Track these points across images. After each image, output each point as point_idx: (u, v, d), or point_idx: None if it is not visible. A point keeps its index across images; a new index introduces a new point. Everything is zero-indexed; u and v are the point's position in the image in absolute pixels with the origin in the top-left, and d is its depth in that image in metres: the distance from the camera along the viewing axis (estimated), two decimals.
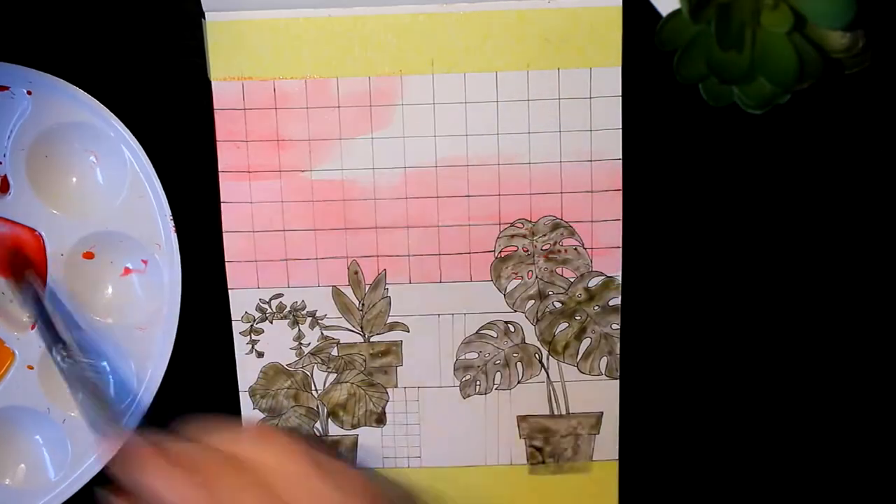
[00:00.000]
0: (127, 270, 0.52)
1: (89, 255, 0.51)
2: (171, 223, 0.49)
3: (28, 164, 0.49)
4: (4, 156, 0.49)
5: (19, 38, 0.49)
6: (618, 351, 0.52)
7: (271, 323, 0.51)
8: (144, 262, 0.51)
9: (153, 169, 0.48)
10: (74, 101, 0.48)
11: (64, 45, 0.49)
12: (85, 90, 0.47)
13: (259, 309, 0.51)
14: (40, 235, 0.50)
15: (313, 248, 0.51)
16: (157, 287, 0.51)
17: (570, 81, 0.48)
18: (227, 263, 0.50)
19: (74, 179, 0.50)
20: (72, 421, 0.52)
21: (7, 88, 0.48)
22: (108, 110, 0.48)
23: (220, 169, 0.49)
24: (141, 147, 0.48)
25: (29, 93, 0.48)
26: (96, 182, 0.50)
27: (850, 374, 0.53)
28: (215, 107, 0.49)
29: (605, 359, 0.52)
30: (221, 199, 0.50)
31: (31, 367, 0.51)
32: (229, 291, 0.51)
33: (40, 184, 0.50)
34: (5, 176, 0.49)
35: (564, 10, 0.48)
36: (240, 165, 0.49)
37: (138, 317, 0.51)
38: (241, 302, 0.51)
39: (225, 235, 0.50)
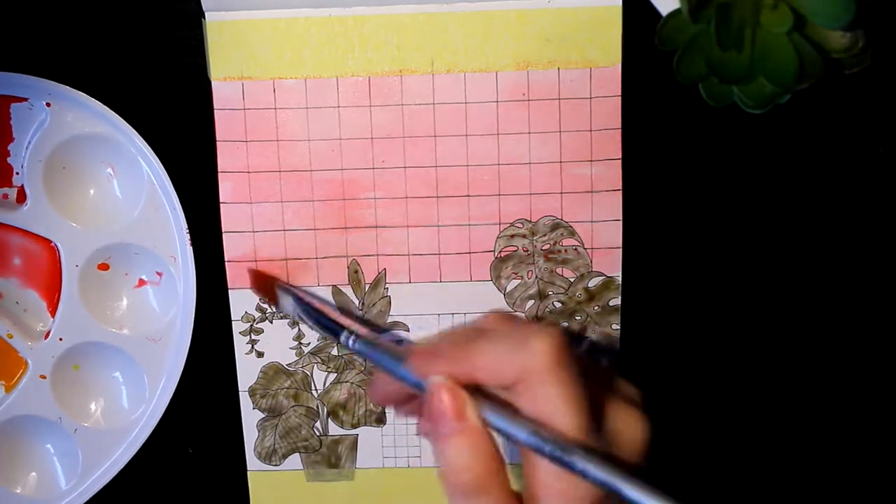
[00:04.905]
0: (141, 282, 0.52)
1: (104, 267, 0.51)
2: (188, 236, 0.49)
3: (45, 176, 0.49)
4: (22, 167, 0.49)
5: (34, 49, 0.49)
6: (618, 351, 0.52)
7: (271, 323, 0.51)
8: (159, 274, 0.51)
9: (170, 182, 0.48)
10: (93, 114, 0.48)
11: (61, 46, 0.49)
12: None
13: (259, 309, 0.51)
14: (56, 247, 0.50)
15: (313, 248, 0.51)
16: (171, 299, 0.51)
17: (570, 81, 0.48)
18: (226, 263, 0.50)
19: (92, 191, 0.50)
20: (83, 430, 0.52)
21: (25, 100, 0.48)
22: (126, 123, 0.48)
23: (219, 169, 0.49)
24: (159, 160, 0.48)
25: (48, 104, 0.48)
26: (113, 194, 0.51)
27: (850, 374, 0.53)
28: (215, 107, 0.49)
29: (605, 359, 0.52)
30: (221, 200, 0.50)
31: (43, 377, 0.51)
32: (229, 291, 0.51)
33: (57, 195, 0.50)
34: (22, 187, 0.50)
35: (564, 10, 0.48)
36: (240, 165, 0.49)
37: (152, 328, 0.51)
38: (241, 302, 0.51)
39: (224, 235, 0.50)
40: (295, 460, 0.53)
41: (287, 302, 0.48)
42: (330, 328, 0.46)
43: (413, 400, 0.44)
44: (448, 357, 0.39)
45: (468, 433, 0.38)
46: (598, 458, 0.36)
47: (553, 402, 0.37)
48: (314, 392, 0.52)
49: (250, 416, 0.53)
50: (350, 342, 0.44)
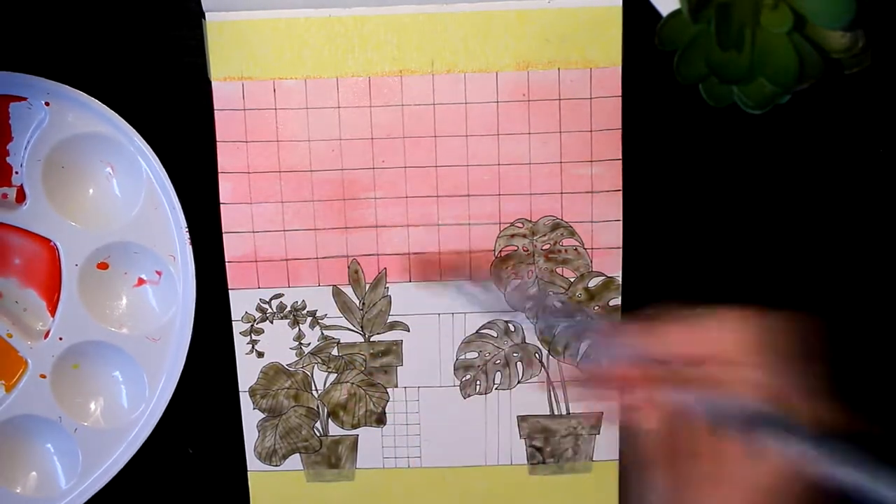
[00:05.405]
0: (141, 281, 0.52)
1: (104, 266, 0.51)
2: (187, 235, 0.49)
3: (44, 175, 0.49)
4: (21, 166, 0.49)
5: (34, 49, 0.49)
6: None
7: (271, 323, 0.51)
8: (159, 273, 0.51)
9: (170, 181, 0.48)
10: (92, 113, 0.48)
11: (61, 46, 0.49)
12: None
13: (259, 309, 0.51)
14: (55, 246, 0.50)
15: (313, 248, 0.51)
16: (170, 298, 0.51)
17: (570, 81, 0.48)
18: (227, 263, 0.50)
19: (91, 190, 0.51)
20: (83, 430, 0.52)
21: (25, 99, 0.48)
22: (126, 122, 0.48)
23: (219, 169, 0.49)
24: (158, 159, 0.48)
25: (47, 104, 0.48)
26: (112, 193, 0.51)
27: (852, 374, 0.53)
28: (215, 107, 0.49)
29: (605, 359, 0.52)
30: (221, 200, 0.50)
31: (43, 376, 0.51)
32: (229, 291, 0.51)
33: (56, 195, 0.50)
34: (21, 186, 0.50)
35: (564, 10, 0.48)
36: (240, 165, 0.49)
37: (151, 327, 0.51)
38: (242, 302, 0.51)
39: (225, 236, 0.50)
40: (295, 460, 0.53)
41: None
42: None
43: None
44: (676, 332, 0.41)
45: None
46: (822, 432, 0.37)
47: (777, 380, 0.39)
48: (314, 392, 0.52)
49: (250, 417, 0.53)
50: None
